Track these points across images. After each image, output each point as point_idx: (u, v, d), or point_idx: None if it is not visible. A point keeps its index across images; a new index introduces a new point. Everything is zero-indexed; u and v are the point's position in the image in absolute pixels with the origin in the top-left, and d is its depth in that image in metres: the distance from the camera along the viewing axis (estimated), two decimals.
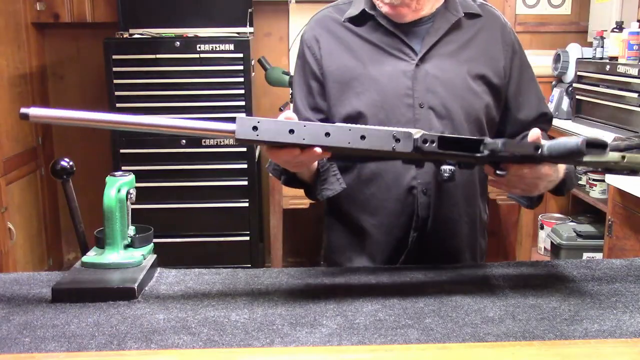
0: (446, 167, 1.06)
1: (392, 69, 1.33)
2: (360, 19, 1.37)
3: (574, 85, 3.30)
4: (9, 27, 3.17)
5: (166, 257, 1.36)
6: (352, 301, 1.09)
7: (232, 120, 0.99)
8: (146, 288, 1.15)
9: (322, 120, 1.38)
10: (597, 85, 3.08)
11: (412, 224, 1.35)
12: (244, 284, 1.18)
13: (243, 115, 1.02)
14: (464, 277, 1.23)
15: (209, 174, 3.11)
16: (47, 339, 0.95)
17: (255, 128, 0.98)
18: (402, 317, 1.02)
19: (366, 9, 1.36)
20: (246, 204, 3.16)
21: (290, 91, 2.52)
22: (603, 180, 2.90)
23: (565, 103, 3.40)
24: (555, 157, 1.06)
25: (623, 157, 1.08)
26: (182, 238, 3.16)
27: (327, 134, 1.00)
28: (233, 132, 0.99)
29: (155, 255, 1.23)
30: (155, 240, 1.25)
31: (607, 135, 2.74)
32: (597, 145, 1.02)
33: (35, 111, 0.97)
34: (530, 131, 1.11)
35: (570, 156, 1.04)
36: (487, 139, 1.05)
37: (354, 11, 1.37)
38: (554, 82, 3.55)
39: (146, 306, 1.07)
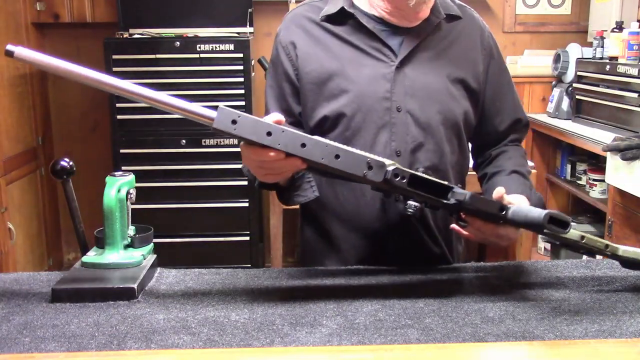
0: (412, 203, 1.08)
1: (371, 70, 1.31)
2: (338, 18, 1.34)
3: (574, 85, 3.30)
4: (9, 27, 3.17)
5: (166, 257, 1.36)
6: (352, 301, 1.09)
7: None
8: (146, 288, 1.15)
9: (293, 124, 1.36)
10: (597, 85, 3.08)
11: (389, 231, 1.33)
12: (244, 284, 1.18)
13: (226, 107, 1.01)
14: (464, 277, 1.23)
15: (209, 174, 3.11)
16: (47, 339, 0.95)
17: (234, 122, 0.99)
18: (402, 317, 1.02)
19: (345, 7, 1.32)
20: (246, 204, 3.17)
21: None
22: (603, 180, 2.90)
23: (565, 103, 3.40)
24: (517, 222, 1.08)
25: (582, 238, 1.09)
26: (182, 238, 3.16)
27: (303, 145, 1.00)
28: (212, 119, 0.99)
29: (155, 255, 1.23)
30: (155, 240, 1.25)
31: (607, 135, 2.75)
32: (559, 223, 1.03)
33: (21, 50, 0.96)
34: (495, 189, 1.13)
35: (532, 226, 1.06)
36: (456, 188, 1.07)
37: (331, 8, 1.34)
38: (554, 82, 3.55)
39: (146, 306, 1.07)
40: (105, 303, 1.08)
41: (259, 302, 1.09)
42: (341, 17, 1.33)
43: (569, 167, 3.49)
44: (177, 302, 1.09)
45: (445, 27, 1.36)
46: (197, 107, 1.01)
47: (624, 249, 1.14)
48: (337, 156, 1.01)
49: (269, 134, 0.99)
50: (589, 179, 3.19)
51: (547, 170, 3.74)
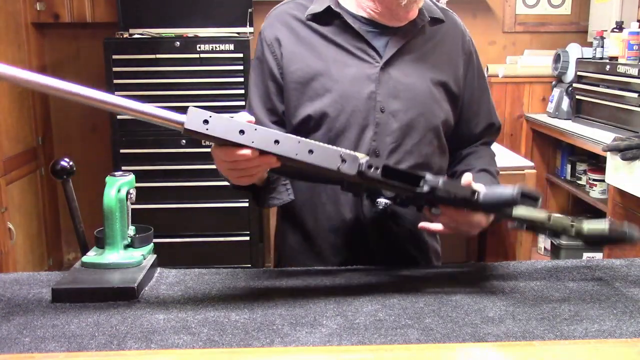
0: (382, 201, 1.09)
1: (355, 71, 1.30)
2: (324, 17, 1.33)
3: (574, 85, 3.30)
4: (9, 27, 3.17)
5: (166, 257, 1.36)
6: (352, 301, 1.09)
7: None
8: (146, 288, 1.15)
9: (276, 123, 1.36)
10: (597, 85, 3.09)
11: (368, 230, 1.34)
12: (244, 284, 1.18)
13: (196, 107, 1.00)
14: (464, 277, 1.23)
15: (209, 174, 3.11)
16: (47, 338, 0.95)
17: (206, 122, 0.97)
18: (402, 317, 1.02)
19: (331, 6, 1.32)
20: (246, 204, 3.17)
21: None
22: (603, 180, 2.90)
23: (565, 103, 3.40)
24: (489, 205, 1.10)
25: (549, 218, 1.12)
26: (182, 238, 3.16)
27: (277, 142, 1.00)
28: (182, 123, 0.97)
29: (155, 255, 1.23)
30: (155, 240, 1.25)
31: (607, 135, 2.75)
32: (530, 197, 1.05)
33: None
34: (463, 176, 1.15)
35: (504, 205, 1.08)
36: (428, 176, 1.08)
37: (317, 7, 1.33)
38: (554, 82, 3.56)
39: (146, 306, 1.07)
40: (106, 303, 1.08)
41: (259, 302, 1.09)
42: (327, 17, 1.33)
43: (569, 167, 3.49)
44: (177, 302, 1.09)
45: (429, 30, 1.36)
46: (165, 112, 0.98)
47: (589, 227, 1.14)
48: (310, 151, 1.01)
49: (241, 132, 0.99)
50: (589, 179, 3.19)
51: (547, 170, 3.74)
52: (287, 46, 1.34)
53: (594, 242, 1.17)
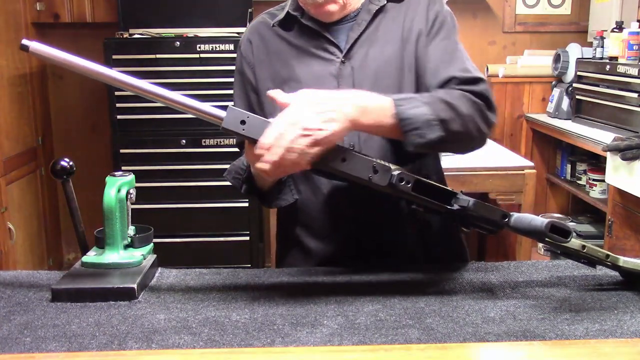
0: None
1: (319, 70, 1.30)
2: (287, 23, 1.34)
3: (574, 85, 3.30)
4: (9, 27, 3.17)
5: (166, 257, 1.36)
6: (353, 301, 1.09)
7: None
8: (147, 288, 1.15)
9: None
10: (597, 85, 3.09)
11: (347, 229, 1.33)
12: (244, 284, 1.18)
13: (236, 108, 1.03)
14: (465, 277, 1.23)
15: (209, 174, 3.11)
16: (48, 338, 0.95)
17: (243, 122, 1.01)
18: (403, 317, 1.02)
19: (290, 11, 1.32)
20: (246, 204, 3.17)
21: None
22: (603, 180, 2.91)
23: (565, 103, 3.40)
24: (519, 230, 1.08)
25: (583, 247, 1.10)
26: (182, 238, 3.16)
27: None
28: (222, 119, 1.02)
29: (155, 255, 1.23)
30: (155, 240, 1.25)
31: (607, 135, 2.75)
32: (560, 232, 1.04)
33: (36, 45, 1.01)
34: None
35: (533, 234, 1.06)
36: (460, 194, 1.07)
37: (281, 14, 1.35)
38: (554, 82, 3.56)
39: (147, 306, 1.07)
40: (106, 303, 1.08)
41: (259, 302, 1.09)
42: (289, 22, 1.34)
43: (569, 167, 3.50)
44: (178, 302, 1.09)
45: (391, 9, 1.32)
46: (208, 107, 1.03)
47: (624, 260, 1.13)
48: (343, 159, 1.02)
49: None
50: (589, 179, 3.19)
51: (547, 170, 3.74)
52: (257, 54, 1.36)
53: (631, 275, 1.15)
